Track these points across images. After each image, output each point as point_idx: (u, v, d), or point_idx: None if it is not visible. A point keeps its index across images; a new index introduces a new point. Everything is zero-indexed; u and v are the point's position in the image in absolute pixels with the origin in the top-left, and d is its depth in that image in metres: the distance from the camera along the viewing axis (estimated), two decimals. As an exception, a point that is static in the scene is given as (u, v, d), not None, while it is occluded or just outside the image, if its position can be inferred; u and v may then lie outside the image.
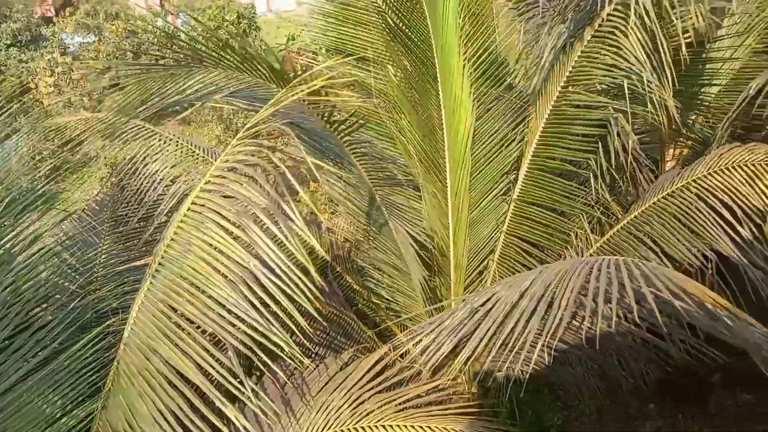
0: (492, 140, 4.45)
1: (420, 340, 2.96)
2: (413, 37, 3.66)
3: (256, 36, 14.51)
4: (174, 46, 3.91)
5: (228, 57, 3.81)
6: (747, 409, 5.66)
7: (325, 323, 4.17)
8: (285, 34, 16.06)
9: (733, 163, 3.59)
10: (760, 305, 3.81)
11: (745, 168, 3.52)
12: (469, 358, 2.59)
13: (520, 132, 4.42)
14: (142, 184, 4.41)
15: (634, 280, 2.24)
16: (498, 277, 4.57)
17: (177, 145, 4.21)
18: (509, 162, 4.44)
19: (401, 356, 3.53)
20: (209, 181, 2.16)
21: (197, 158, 4.54)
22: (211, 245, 2.14)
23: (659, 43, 3.74)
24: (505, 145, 4.46)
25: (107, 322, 3.04)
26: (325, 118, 3.65)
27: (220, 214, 2.13)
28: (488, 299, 2.57)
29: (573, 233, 4.40)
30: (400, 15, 3.76)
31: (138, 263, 3.54)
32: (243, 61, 3.80)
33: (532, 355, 3.06)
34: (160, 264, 2.24)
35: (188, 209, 2.16)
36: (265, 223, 2.21)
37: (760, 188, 3.41)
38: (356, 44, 4.69)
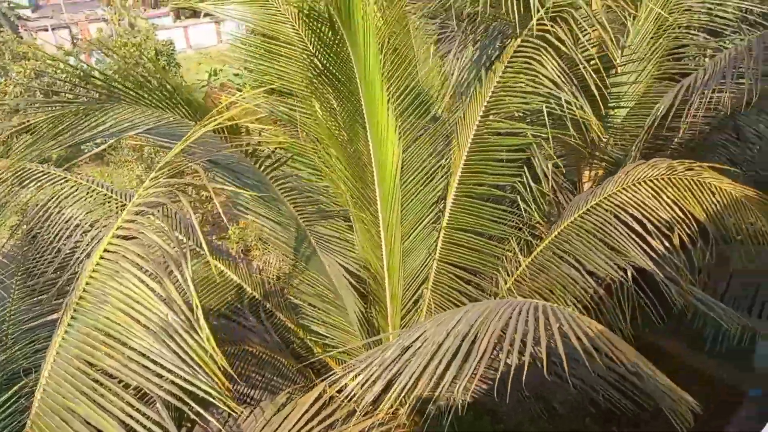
0: (421, 170, 4.51)
1: (358, 375, 2.93)
2: (338, 74, 3.68)
3: (176, 73, 14.21)
4: (88, 85, 3.76)
5: (146, 95, 3.70)
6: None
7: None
8: (206, 70, 15.85)
9: (638, 179, 3.79)
10: (681, 313, 4.03)
11: (649, 183, 3.73)
12: (400, 394, 2.59)
13: (446, 161, 4.51)
14: (57, 232, 4.16)
15: (548, 326, 2.41)
16: (433, 304, 4.60)
17: (90, 190, 4.01)
18: (438, 190, 4.52)
19: (338, 392, 3.46)
20: (121, 226, 2.05)
21: (114, 202, 4.34)
22: (127, 295, 2.03)
23: (582, 67, 3.94)
24: (434, 174, 4.53)
25: (20, 384, 2.82)
26: (249, 155, 3.58)
27: (133, 261, 2.02)
28: (418, 337, 2.62)
29: (503, 256, 4.50)
30: (323, 52, 3.78)
31: (51, 318, 3.31)
32: (161, 99, 3.70)
33: (468, 386, 3.09)
34: (72, 317, 2.09)
35: (101, 257, 2.04)
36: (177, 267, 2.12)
37: (664, 201, 3.62)
38: (281, 79, 4.66)
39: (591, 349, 2.29)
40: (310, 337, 4.76)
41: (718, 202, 3.60)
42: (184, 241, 4.32)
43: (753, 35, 4.64)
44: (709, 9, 5.91)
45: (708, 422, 5.71)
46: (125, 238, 2.05)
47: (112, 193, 4.28)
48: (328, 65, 3.70)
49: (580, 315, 2.50)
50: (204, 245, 2.25)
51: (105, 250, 2.03)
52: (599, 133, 4.94)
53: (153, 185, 2.12)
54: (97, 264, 2.02)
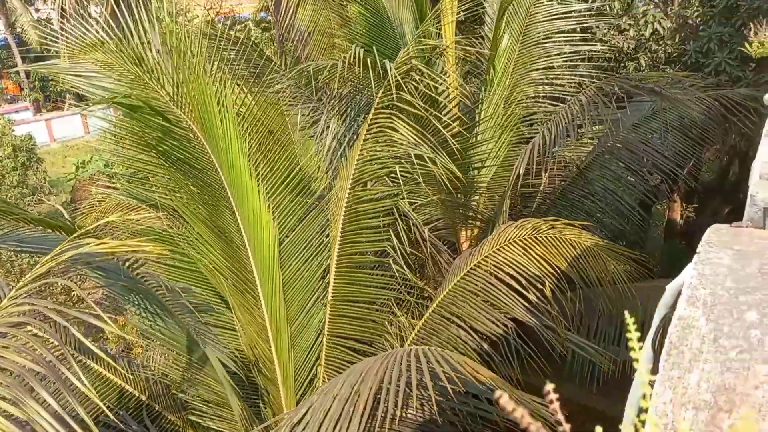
0: (308, 247, 4.51)
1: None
2: (198, 167, 3.69)
3: (38, 168, 13.36)
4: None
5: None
6: None
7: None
8: (73, 162, 15.10)
9: (509, 239, 4.09)
10: (561, 356, 4.27)
11: (519, 242, 4.04)
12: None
13: (326, 235, 4.56)
14: None
15: (419, 369, 2.57)
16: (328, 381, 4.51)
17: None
18: (324, 266, 4.52)
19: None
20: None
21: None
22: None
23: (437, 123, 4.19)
24: (321, 250, 4.55)
25: None
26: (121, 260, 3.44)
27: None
28: (306, 411, 2.60)
29: (392, 322, 4.55)
30: (181, 151, 3.79)
31: None
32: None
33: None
34: None
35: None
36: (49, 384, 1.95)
37: (533, 257, 3.93)
38: (150, 165, 4.53)
39: (455, 380, 2.45)
40: (202, 434, 4.46)
41: (578, 254, 3.96)
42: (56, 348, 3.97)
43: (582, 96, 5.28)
44: (550, 80, 6.68)
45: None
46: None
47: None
48: (186, 160, 3.71)
49: (447, 352, 2.63)
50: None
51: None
52: (461, 185, 5.26)
53: (11, 304, 1.96)
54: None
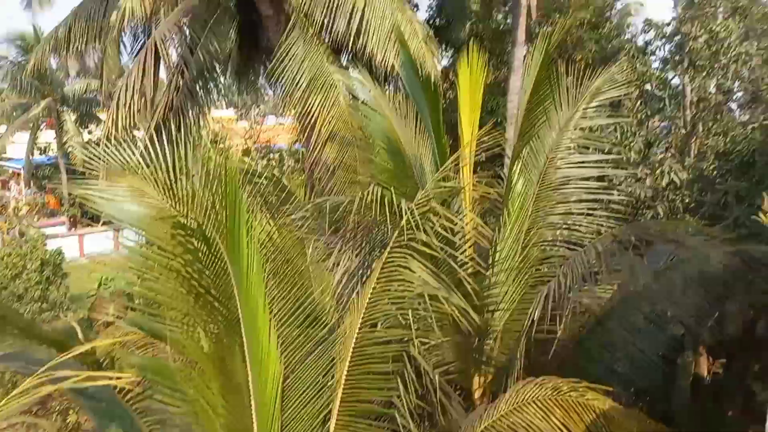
0: (310, 390, 4.32)
1: None
2: (220, 297, 3.69)
3: (60, 284, 13.61)
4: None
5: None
6: None
7: None
8: (97, 278, 15.35)
9: (527, 399, 3.86)
10: None
11: (537, 403, 3.82)
12: None
13: (331, 377, 4.39)
14: None
15: None
16: None
17: None
18: (324, 412, 4.30)
19: None
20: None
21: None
22: None
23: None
24: (321, 393, 4.35)
25: None
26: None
27: None
28: None
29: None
30: (202, 275, 3.80)
31: None
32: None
33: None
34: None
35: None
36: None
37: (554, 422, 3.68)
38: (166, 296, 4.51)
39: None
40: None
41: (601, 422, 3.72)
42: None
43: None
44: (568, 225, 6.70)
45: None
46: None
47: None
48: (205, 284, 3.71)
49: None
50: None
51: None
52: (475, 328, 5.09)
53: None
54: None
